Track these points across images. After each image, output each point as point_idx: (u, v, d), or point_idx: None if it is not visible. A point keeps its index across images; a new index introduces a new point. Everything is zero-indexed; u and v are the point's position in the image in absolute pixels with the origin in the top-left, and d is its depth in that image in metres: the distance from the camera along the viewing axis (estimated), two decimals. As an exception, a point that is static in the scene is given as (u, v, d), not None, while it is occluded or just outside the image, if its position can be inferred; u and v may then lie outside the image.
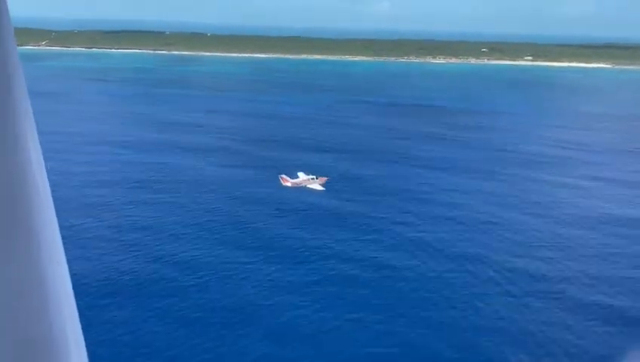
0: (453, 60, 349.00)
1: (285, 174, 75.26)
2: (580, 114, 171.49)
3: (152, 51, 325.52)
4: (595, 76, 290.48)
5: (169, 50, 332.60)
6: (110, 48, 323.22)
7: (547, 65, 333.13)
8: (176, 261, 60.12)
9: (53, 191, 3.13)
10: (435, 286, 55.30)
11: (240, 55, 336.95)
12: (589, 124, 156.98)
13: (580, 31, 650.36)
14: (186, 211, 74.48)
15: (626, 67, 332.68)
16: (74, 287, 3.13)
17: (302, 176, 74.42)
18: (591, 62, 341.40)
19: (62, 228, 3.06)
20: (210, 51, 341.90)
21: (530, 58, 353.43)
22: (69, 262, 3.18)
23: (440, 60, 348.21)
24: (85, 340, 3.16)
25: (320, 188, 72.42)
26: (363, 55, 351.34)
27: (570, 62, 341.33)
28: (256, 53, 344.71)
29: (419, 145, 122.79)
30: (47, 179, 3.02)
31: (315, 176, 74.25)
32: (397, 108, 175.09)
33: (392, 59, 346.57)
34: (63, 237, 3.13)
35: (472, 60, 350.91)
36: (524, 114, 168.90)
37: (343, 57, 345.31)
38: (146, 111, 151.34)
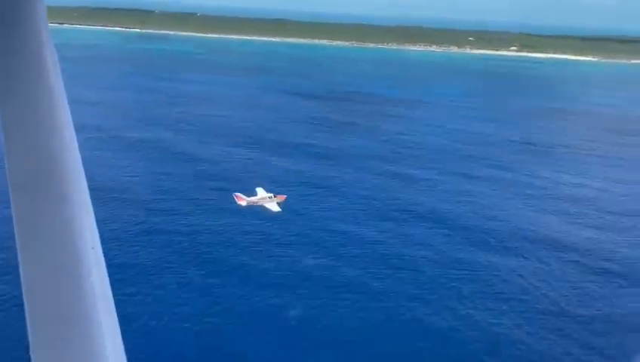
0: (433, 48, 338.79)
1: (240, 192, 66.71)
2: (516, 108, 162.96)
3: (125, 29, 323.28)
4: (572, 68, 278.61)
5: (143, 29, 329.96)
6: (83, 25, 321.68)
7: (529, 57, 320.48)
8: None
9: None
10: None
11: (215, 36, 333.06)
12: (517, 118, 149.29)
13: (587, 23, 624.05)
14: None
15: (614, 60, 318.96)
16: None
17: (260, 194, 67.20)
18: (578, 55, 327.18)
19: None
20: (186, 31, 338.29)
21: (515, 48, 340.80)
22: None
23: (419, 48, 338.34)
24: (119, 321, 3.13)
25: (276, 208, 65.18)
26: (341, 40, 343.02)
27: (555, 53, 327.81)
28: (232, 34, 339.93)
29: (320, 135, 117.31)
30: (81, 164, 3.08)
31: (272, 195, 66.94)
32: (328, 94, 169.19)
33: (371, 45, 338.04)
34: None
35: (454, 49, 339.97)
36: (453, 106, 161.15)
37: (320, 41, 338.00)
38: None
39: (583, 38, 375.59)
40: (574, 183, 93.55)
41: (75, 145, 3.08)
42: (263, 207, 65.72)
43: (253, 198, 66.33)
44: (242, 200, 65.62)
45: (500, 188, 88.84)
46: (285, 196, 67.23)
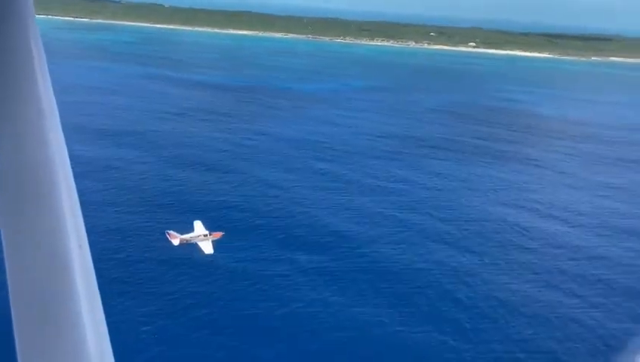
0: (391, 43, 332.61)
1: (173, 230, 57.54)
2: (421, 102, 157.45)
3: (74, 19, 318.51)
4: (520, 65, 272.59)
5: (94, 19, 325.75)
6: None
7: (483, 53, 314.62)
8: None
9: None
10: None
11: (170, 27, 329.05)
12: (410, 112, 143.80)
13: (558, 21, 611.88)
14: None
15: (571, 57, 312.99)
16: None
17: (197, 229, 58.41)
18: (534, 52, 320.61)
19: None
20: (145, 22, 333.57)
21: (473, 45, 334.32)
22: None
23: (376, 42, 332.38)
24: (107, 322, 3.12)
25: (209, 249, 55.99)
26: (297, 33, 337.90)
27: (511, 50, 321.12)
28: (188, 26, 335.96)
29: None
30: (68, 162, 3.09)
31: (208, 233, 58.01)
32: (232, 86, 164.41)
33: (326, 39, 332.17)
34: None
35: (412, 44, 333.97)
36: (353, 100, 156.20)
37: (274, 34, 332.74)
38: None
39: (548, 36, 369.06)
40: (400, 178, 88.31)
41: (63, 142, 3.02)
42: (196, 246, 56.44)
43: (186, 236, 57.09)
44: (175, 239, 56.47)
45: (316, 183, 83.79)
46: (222, 233, 58.00)
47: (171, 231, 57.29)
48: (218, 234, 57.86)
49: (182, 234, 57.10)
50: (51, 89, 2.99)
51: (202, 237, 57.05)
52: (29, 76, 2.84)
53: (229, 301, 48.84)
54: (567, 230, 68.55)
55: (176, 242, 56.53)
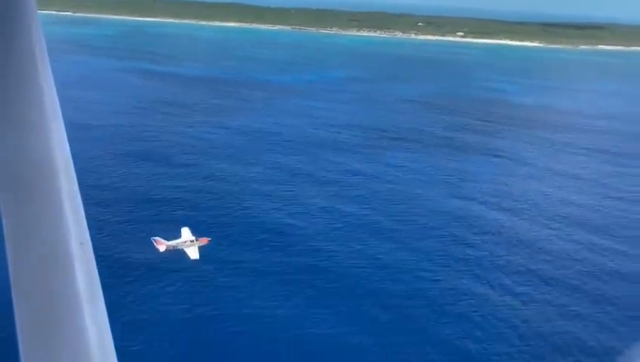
0: (377, 34, 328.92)
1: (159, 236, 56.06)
2: (391, 93, 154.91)
3: (57, 12, 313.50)
4: (506, 54, 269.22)
5: (77, 12, 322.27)
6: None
7: (470, 42, 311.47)
8: None
9: None
10: None
11: (157, 20, 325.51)
12: (378, 103, 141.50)
13: (555, 10, 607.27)
14: None
15: (559, 46, 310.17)
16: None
17: (184, 236, 57.03)
18: (523, 41, 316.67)
19: None
20: (121, 15, 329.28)
21: (461, 34, 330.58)
22: None
23: (363, 33, 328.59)
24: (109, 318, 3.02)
25: (195, 255, 54.80)
26: (284, 25, 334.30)
27: (499, 39, 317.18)
28: (177, 18, 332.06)
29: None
30: (70, 158, 3.06)
31: (195, 238, 56.58)
32: (204, 78, 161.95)
33: (313, 29, 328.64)
34: None
35: (399, 34, 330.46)
36: (322, 91, 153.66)
37: (260, 26, 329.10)
38: None
39: (541, 24, 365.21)
40: (354, 171, 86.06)
41: (65, 142, 2.97)
42: (182, 252, 55.13)
43: (172, 242, 55.80)
44: (162, 245, 55.16)
45: (267, 177, 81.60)
46: (208, 239, 56.70)
47: (157, 238, 55.91)
48: (205, 240, 56.68)
49: (168, 240, 55.70)
50: (54, 88, 2.96)
51: (189, 243, 56.09)
52: (32, 75, 2.83)
53: (135, 304, 46.76)
54: (514, 223, 66.35)
55: (162, 248, 55.58)
